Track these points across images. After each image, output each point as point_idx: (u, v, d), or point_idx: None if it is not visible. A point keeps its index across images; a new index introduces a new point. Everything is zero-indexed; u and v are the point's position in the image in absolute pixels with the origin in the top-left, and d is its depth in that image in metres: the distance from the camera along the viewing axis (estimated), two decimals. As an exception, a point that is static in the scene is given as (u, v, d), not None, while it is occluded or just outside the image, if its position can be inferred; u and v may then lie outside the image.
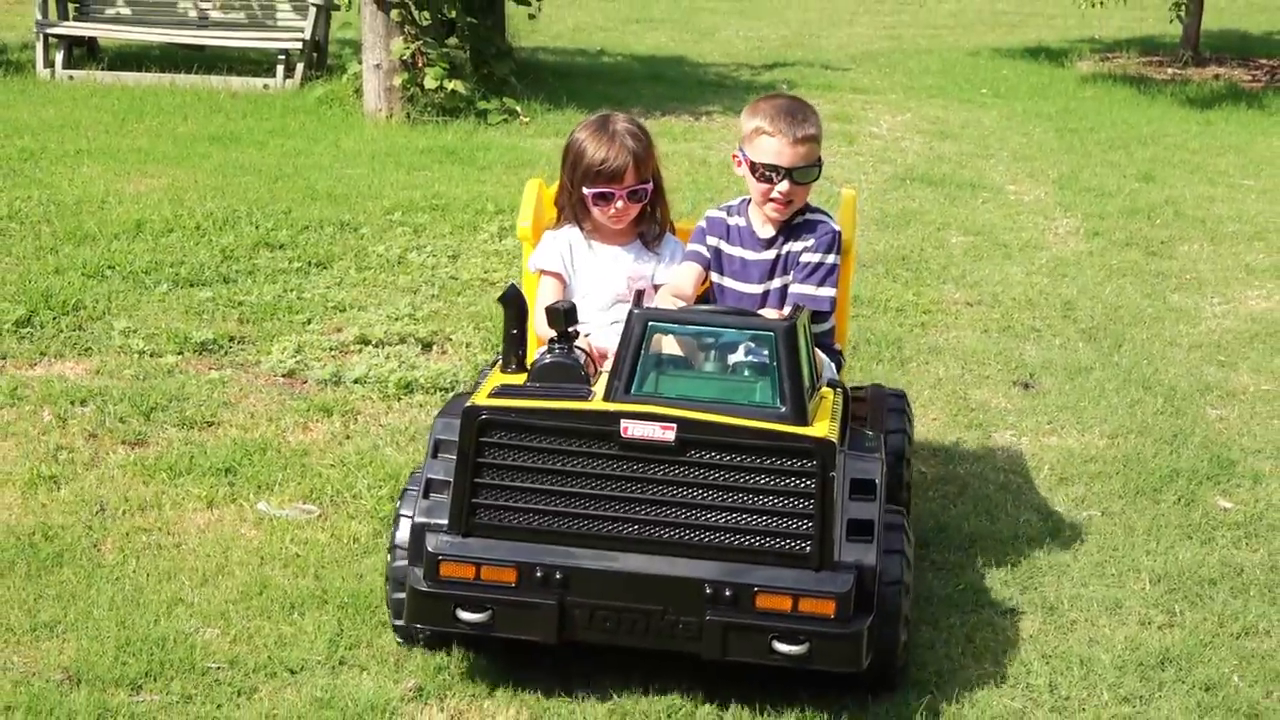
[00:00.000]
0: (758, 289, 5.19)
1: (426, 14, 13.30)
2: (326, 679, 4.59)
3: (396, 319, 7.85)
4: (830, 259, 5.09)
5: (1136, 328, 8.33)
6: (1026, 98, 16.06)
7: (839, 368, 5.27)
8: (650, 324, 4.33)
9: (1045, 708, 4.66)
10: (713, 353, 4.50)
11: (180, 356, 7.22)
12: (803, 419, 4.24)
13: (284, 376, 7.09)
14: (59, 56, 15.16)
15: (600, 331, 4.90)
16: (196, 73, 15.17)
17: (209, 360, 7.24)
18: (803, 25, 20.98)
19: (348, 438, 6.45)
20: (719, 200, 10.53)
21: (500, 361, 4.74)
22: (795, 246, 5.16)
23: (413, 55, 13.22)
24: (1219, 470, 6.45)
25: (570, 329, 4.44)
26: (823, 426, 4.31)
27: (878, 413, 5.48)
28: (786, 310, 4.94)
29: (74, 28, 15.71)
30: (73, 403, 6.60)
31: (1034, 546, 5.69)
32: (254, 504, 5.78)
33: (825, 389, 4.71)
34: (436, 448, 4.54)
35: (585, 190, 5.17)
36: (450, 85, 13.20)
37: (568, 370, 4.35)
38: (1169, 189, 11.87)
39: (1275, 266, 9.76)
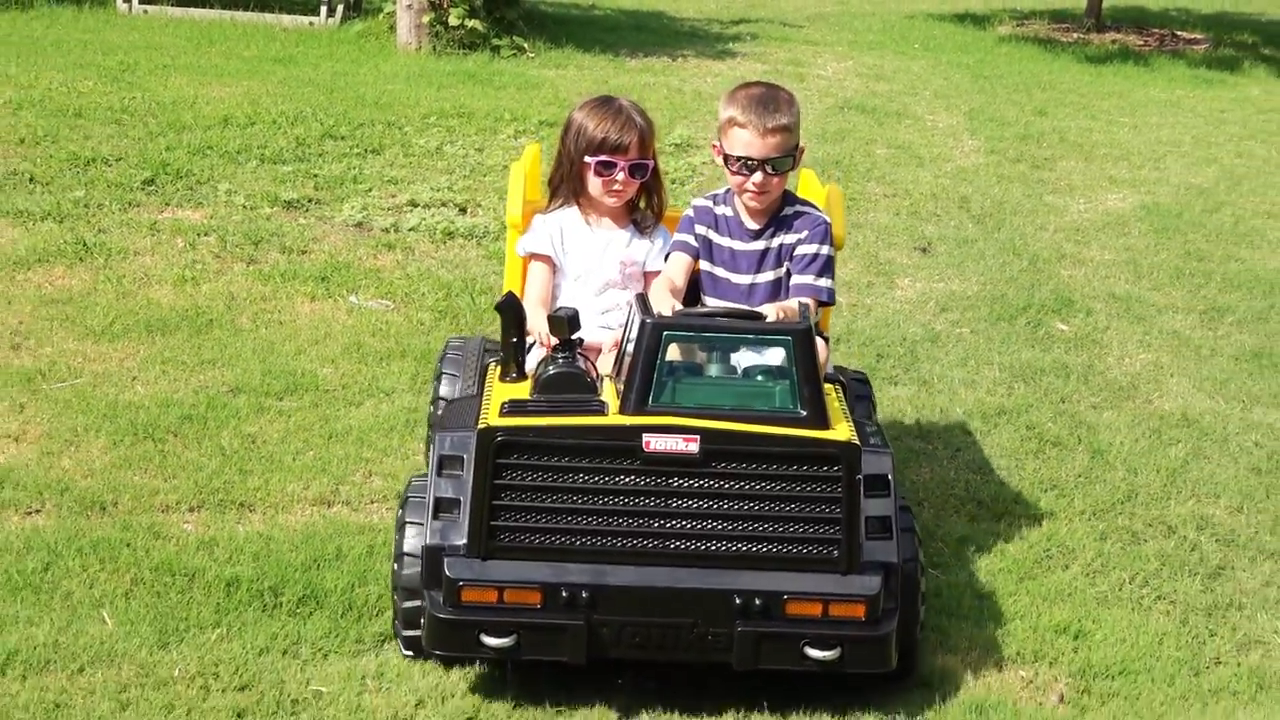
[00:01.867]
0: (746, 279, 4.71)
1: None
2: (411, 399, 5.97)
3: (438, 190, 9.00)
4: (826, 250, 4.64)
5: (1016, 216, 9.53)
6: (950, 52, 16.64)
7: (828, 354, 4.82)
8: (666, 333, 3.88)
9: (911, 435, 6.05)
10: (716, 354, 4.09)
11: (273, 209, 8.41)
12: (824, 422, 3.87)
13: (354, 226, 8.28)
14: None
15: (588, 326, 4.37)
16: (252, 10, 15.65)
17: (295, 214, 8.43)
18: None
19: (409, 263, 7.73)
20: (691, 121, 11.85)
21: (500, 369, 4.30)
22: (787, 239, 4.68)
23: None
24: (1061, 306, 7.75)
25: (574, 336, 4.05)
26: (843, 429, 3.94)
27: (847, 401, 4.82)
28: (788, 301, 4.52)
29: None
30: (198, 235, 7.88)
31: (917, 347, 7.00)
32: (346, 298, 7.13)
33: (829, 385, 4.27)
34: (441, 464, 4.01)
35: (588, 159, 4.69)
36: (470, 23, 13.86)
37: (575, 380, 3.95)
38: (1058, 122, 12.83)
39: (1132, 179, 10.89)
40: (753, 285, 4.70)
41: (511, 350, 4.21)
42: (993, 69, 15.57)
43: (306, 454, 5.44)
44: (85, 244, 7.50)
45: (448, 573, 3.80)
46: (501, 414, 3.87)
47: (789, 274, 4.66)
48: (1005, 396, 6.48)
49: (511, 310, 4.21)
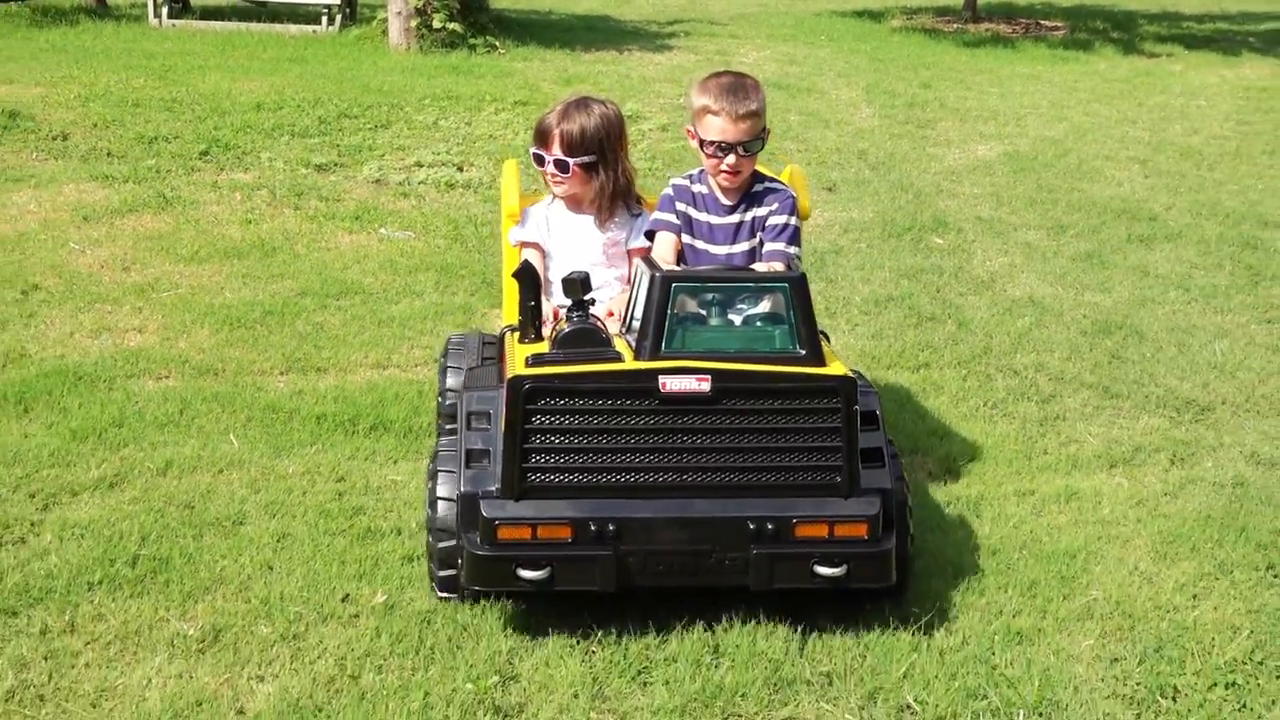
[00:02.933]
0: (723, 250, 4.52)
1: None
2: (437, 297, 6.77)
3: (437, 154, 9.73)
4: (794, 221, 4.48)
5: (903, 163, 10.29)
6: (851, 41, 17.05)
7: None
8: (675, 285, 3.71)
9: (821, 316, 6.80)
10: (714, 308, 3.87)
11: (308, 170, 9.17)
12: (821, 360, 3.72)
13: (374, 182, 9.04)
14: (164, 10, 16.15)
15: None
16: (264, 22, 16.26)
17: (326, 174, 9.17)
18: None
19: (422, 206, 8.51)
20: (638, 98, 12.54)
21: (519, 333, 4.04)
22: (760, 212, 4.49)
23: (423, 5, 14.37)
24: (938, 226, 8.54)
25: (587, 297, 3.84)
26: (838, 366, 3.79)
27: None
28: (773, 261, 4.42)
29: None
30: (251, 190, 8.64)
31: (825, 256, 7.77)
32: (376, 230, 7.93)
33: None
34: (470, 419, 3.88)
35: (530, 149, 4.66)
36: (450, 26, 14.39)
37: (590, 335, 3.74)
38: (939, 93, 13.45)
39: (998, 134, 11.58)
40: (730, 255, 4.51)
41: (529, 314, 3.98)
42: (886, 54, 16.00)
43: (362, 335, 6.24)
44: (164, 197, 8.28)
45: (484, 513, 3.63)
46: (527, 365, 3.69)
47: (761, 243, 4.49)
48: (893, 288, 7.30)
49: (528, 277, 3.98)
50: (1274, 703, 3.64)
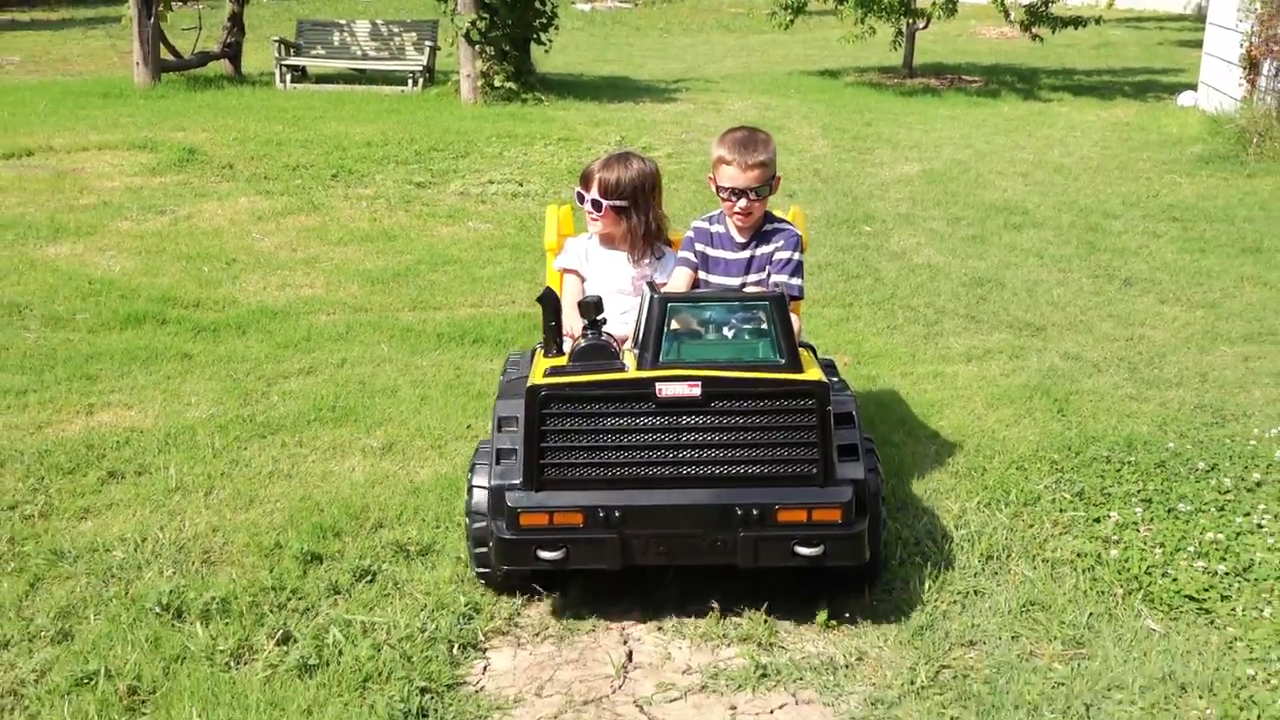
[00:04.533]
0: (736, 281, 4.33)
1: (491, 49, 15.28)
2: (511, 265, 7.95)
3: (503, 175, 10.80)
4: (798, 256, 4.32)
5: (847, 178, 11.30)
6: (813, 94, 17.73)
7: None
8: (670, 305, 3.64)
9: (780, 275, 8.10)
10: (711, 325, 3.76)
11: (410, 187, 10.32)
12: (799, 367, 3.59)
13: (459, 194, 10.16)
14: (288, 77, 17.10)
15: (613, 322, 4.02)
16: (364, 85, 17.17)
17: (423, 189, 10.31)
18: (694, 62, 22.14)
19: (495, 209, 9.68)
20: (650, 134, 13.62)
21: (543, 350, 3.92)
22: (766, 249, 4.32)
23: (486, 69, 15.31)
24: (868, 218, 9.60)
25: (599, 318, 3.73)
26: (815, 372, 3.66)
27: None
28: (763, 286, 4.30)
29: (294, 60, 17.23)
30: (372, 199, 9.84)
31: None
32: (465, 224, 9.16)
33: (801, 349, 3.88)
34: (500, 424, 3.78)
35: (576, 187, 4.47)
36: (508, 84, 15.34)
37: (602, 350, 3.65)
38: (878, 129, 14.31)
39: (920, 157, 12.47)
40: (742, 285, 4.32)
41: (550, 332, 3.88)
42: (839, 102, 16.82)
43: (462, 287, 7.44)
44: (313, 203, 9.52)
45: (509, 503, 3.54)
46: (544, 376, 3.61)
47: (769, 275, 4.32)
48: (831, 258, 8.43)
49: (550, 302, 3.90)
50: (1044, 475, 4.83)
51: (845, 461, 3.65)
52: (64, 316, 6.69)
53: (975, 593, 3.92)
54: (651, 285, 3.84)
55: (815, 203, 10.26)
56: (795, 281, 4.31)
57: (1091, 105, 16.91)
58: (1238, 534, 4.32)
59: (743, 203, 4.24)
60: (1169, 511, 4.48)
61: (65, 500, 4.44)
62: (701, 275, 4.38)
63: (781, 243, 4.35)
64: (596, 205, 4.39)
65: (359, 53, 17.92)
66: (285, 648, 3.51)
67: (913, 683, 3.43)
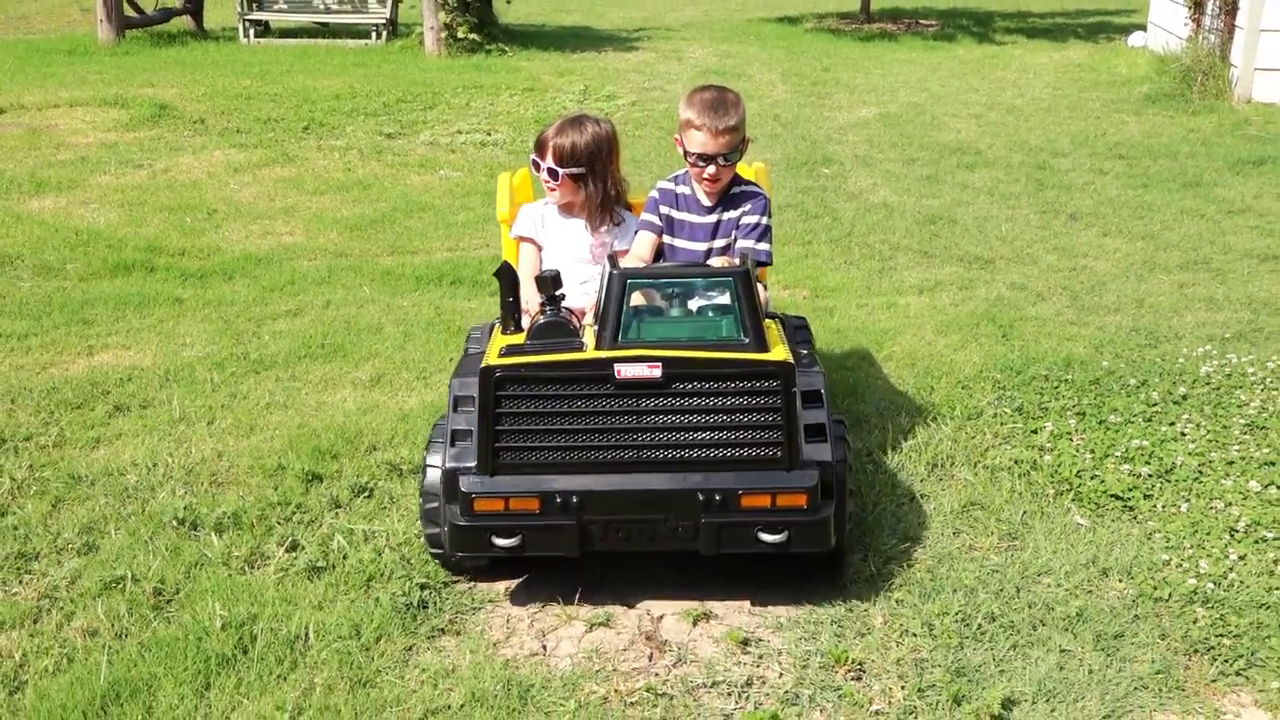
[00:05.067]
0: (702, 246, 4.16)
1: (453, 1, 15.44)
2: (482, 210, 8.22)
3: (471, 125, 11.08)
4: (765, 220, 4.16)
5: (806, 123, 11.62)
6: (774, 40, 18.01)
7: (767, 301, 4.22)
8: (629, 281, 3.45)
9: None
10: (676, 300, 3.62)
11: (380, 138, 10.57)
12: (763, 346, 3.42)
13: (429, 144, 10.44)
14: (250, 32, 17.15)
15: (572, 293, 3.93)
16: (327, 38, 17.28)
17: (393, 140, 10.56)
18: (654, 10, 22.48)
19: (464, 157, 9.96)
20: (614, 83, 13.90)
21: (500, 326, 3.79)
22: (733, 213, 4.15)
23: (449, 21, 15.47)
24: (827, 162, 9.93)
25: (557, 292, 3.56)
26: (780, 351, 3.47)
27: (786, 335, 4.17)
28: (729, 256, 4.10)
29: (256, 15, 17.35)
30: (344, 150, 10.09)
31: None
32: (437, 172, 9.44)
33: (769, 321, 3.79)
34: (456, 403, 3.58)
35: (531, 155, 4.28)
36: (471, 36, 15.53)
37: (560, 327, 3.49)
38: (836, 74, 14.66)
39: (877, 101, 12.83)
40: (708, 251, 4.16)
41: (508, 308, 3.74)
42: (799, 48, 17.09)
43: (437, 232, 7.74)
44: (287, 155, 9.76)
45: (462, 488, 3.37)
46: (500, 355, 3.46)
47: (735, 240, 4.17)
48: (791, 199, 8.76)
49: (507, 276, 3.74)
50: (987, 393, 5.21)
51: (812, 443, 3.47)
52: (55, 266, 6.95)
53: (921, 496, 4.30)
54: (613, 259, 3.58)
55: (775, 147, 10.58)
56: (763, 247, 4.15)
57: (1044, 48, 17.27)
58: (1162, 441, 4.72)
59: (711, 169, 4.07)
60: (1100, 423, 4.87)
61: (76, 432, 4.74)
62: (666, 239, 4.21)
63: (749, 206, 4.18)
64: (553, 174, 4.21)
65: (321, 6, 18.00)
66: (294, 554, 3.85)
67: (863, 573, 3.81)
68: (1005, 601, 3.64)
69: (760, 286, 3.87)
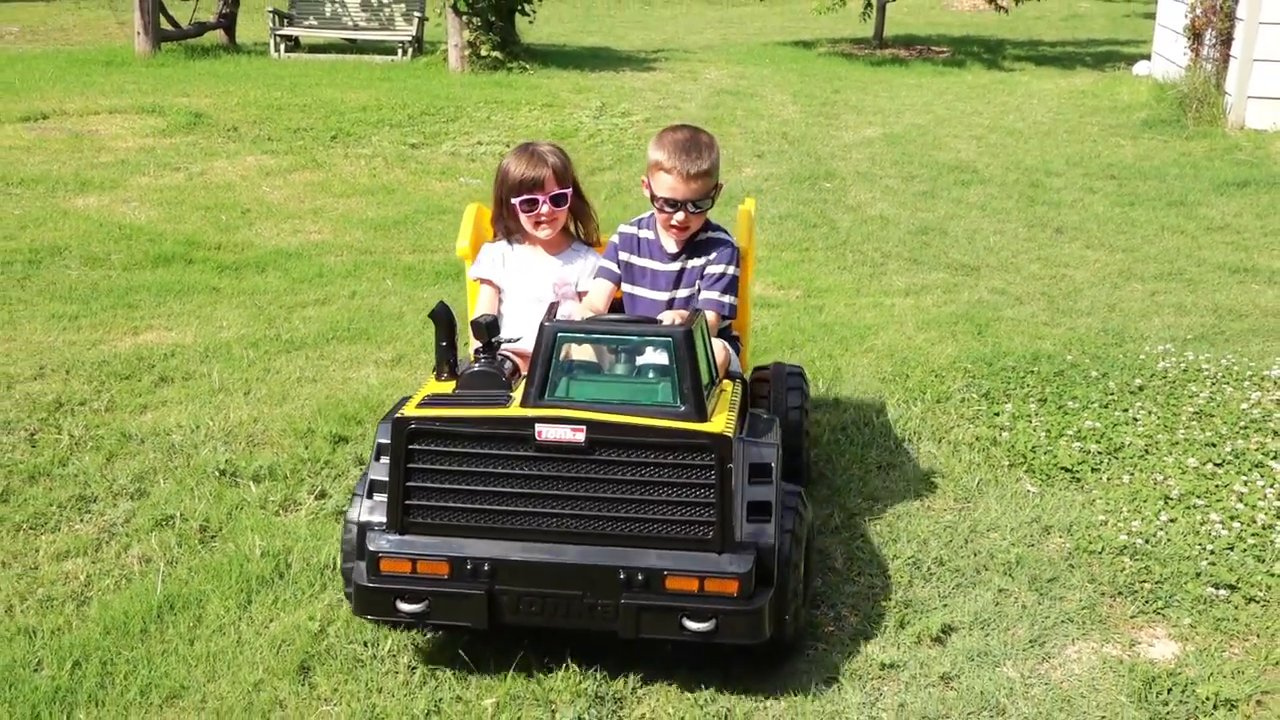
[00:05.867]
0: (664, 296, 3.91)
1: (478, 19, 15.87)
2: None
3: (492, 136, 11.55)
4: (731, 270, 3.88)
5: (812, 141, 12.06)
6: (787, 63, 18.33)
7: (737, 352, 4.03)
8: (559, 335, 3.20)
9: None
10: (622, 356, 3.40)
11: (405, 148, 11.09)
12: (701, 415, 3.15)
13: (450, 154, 10.95)
14: (281, 47, 17.72)
15: (529, 337, 3.50)
16: (355, 55, 17.82)
17: (417, 149, 11.07)
18: (674, 33, 22.86)
19: (483, 166, 10.48)
20: (629, 101, 14.40)
21: (435, 372, 3.53)
22: (698, 262, 3.89)
23: (473, 39, 15.91)
24: (829, 177, 10.38)
25: (493, 340, 3.37)
26: (720, 420, 3.20)
27: (779, 390, 4.25)
28: (683, 310, 3.77)
29: (287, 30, 17.91)
30: (370, 158, 10.62)
31: (751, 193, 9.77)
32: (457, 179, 9.95)
33: (726, 381, 3.57)
34: (379, 451, 3.31)
35: (514, 200, 3.92)
36: (493, 53, 15.97)
37: (491, 378, 3.28)
38: (845, 96, 15.06)
39: (882, 122, 13.24)
40: (670, 301, 3.91)
41: (442, 352, 3.48)
42: (811, 71, 17.51)
43: (456, 232, 8.23)
44: (316, 161, 10.29)
45: (369, 546, 3.15)
46: (418, 406, 3.23)
47: (699, 291, 3.91)
48: (793, 210, 9.26)
49: (442, 319, 3.48)
50: (957, 380, 5.66)
51: (755, 522, 3.17)
52: (100, 257, 7.47)
53: (888, 465, 4.76)
54: (551, 309, 3.41)
55: (781, 162, 11.05)
56: (726, 299, 3.88)
57: (1052, 75, 17.68)
58: (1115, 424, 5.17)
59: (680, 216, 3.83)
60: (1059, 408, 5.32)
61: (126, 399, 5.24)
62: (626, 288, 3.96)
63: (714, 255, 3.91)
64: (560, 200, 3.95)
65: (350, 23, 18.62)
66: (322, 501, 4.32)
67: (829, 524, 4.27)
68: (954, 550, 4.09)
69: (720, 345, 3.70)
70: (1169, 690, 3.36)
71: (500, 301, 4.05)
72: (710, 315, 3.79)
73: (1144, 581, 3.94)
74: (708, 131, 3.89)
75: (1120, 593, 3.88)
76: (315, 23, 18.59)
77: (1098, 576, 3.96)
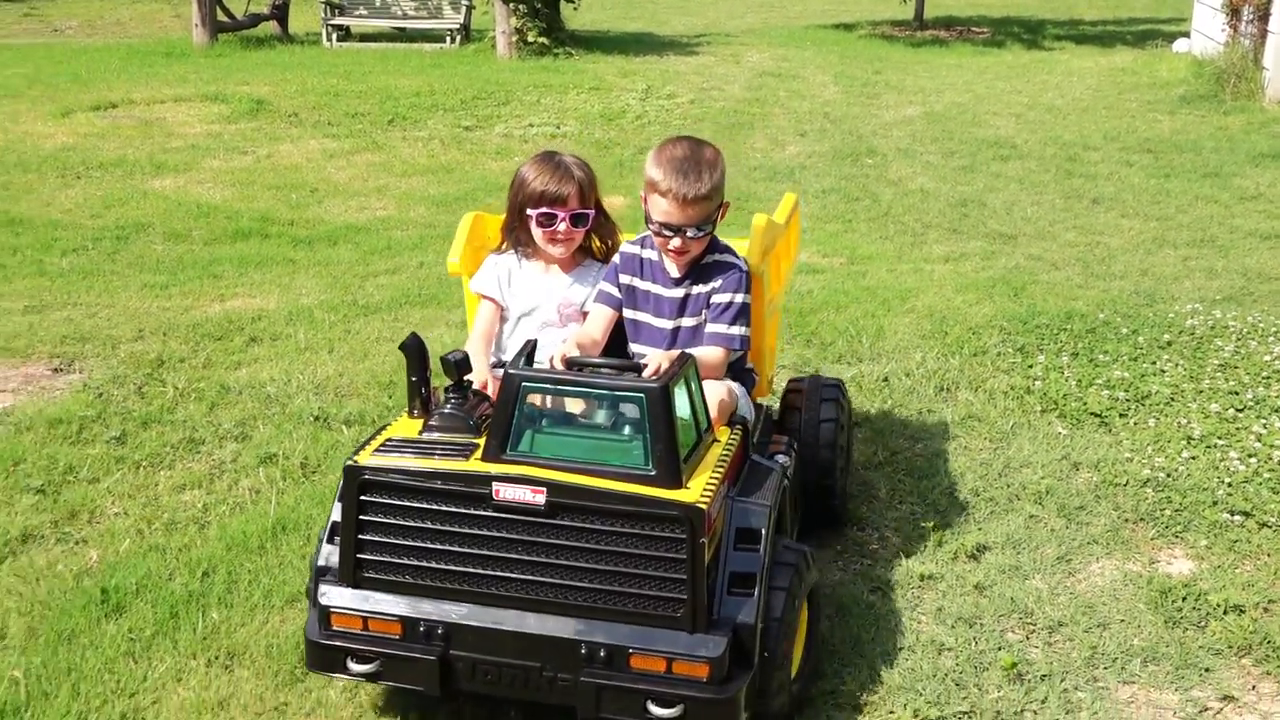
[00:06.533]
0: (669, 324, 3.51)
1: (524, 7, 16.26)
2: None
3: (542, 119, 12.00)
4: (740, 298, 3.43)
5: (854, 120, 12.42)
6: (829, 45, 18.70)
7: (752, 385, 3.67)
8: (523, 385, 2.87)
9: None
10: (601, 404, 3.00)
11: (459, 130, 11.56)
12: (674, 481, 2.78)
13: (503, 135, 11.42)
14: (333, 36, 18.24)
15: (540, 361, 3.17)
16: (404, 43, 18.30)
17: (471, 131, 11.51)
18: (715, 18, 23.28)
19: (536, 145, 10.88)
20: (675, 83, 14.79)
21: (408, 409, 3.19)
22: (702, 289, 3.48)
23: (520, 26, 16.33)
24: (870, 154, 10.73)
25: (464, 379, 3.09)
26: (697, 486, 2.82)
27: (813, 402, 3.91)
28: (673, 352, 3.15)
29: (339, 20, 18.53)
30: (427, 140, 11.07)
31: (795, 170, 10.06)
32: (513, 158, 10.34)
33: (724, 429, 3.20)
34: (343, 493, 2.94)
35: (530, 212, 3.55)
36: (540, 40, 16.36)
37: (458, 422, 2.99)
38: (886, 76, 15.37)
39: (922, 101, 13.56)
40: (676, 329, 3.51)
41: (414, 388, 3.18)
42: (852, 53, 17.85)
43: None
44: (375, 143, 10.75)
45: (320, 599, 2.93)
46: (375, 452, 2.95)
47: (706, 322, 3.49)
48: (835, 184, 9.61)
49: (414, 352, 3.16)
50: (994, 337, 6.00)
51: (736, 595, 2.83)
52: (182, 233, 7.95)
53: (928, 411, 5.13)
54: (522, 352, 3.04)
55: (823, 140, 11.40)
56: (735, 332, 3.44)
57: (1091, 53, 17.91)
58: (1142, 375, 5.51)
59: (677, 242, 3.40)
60: (1090, 360, 5.67)
61: (220, 357, 5.69)
62: (628, 314, 3.57)
63: (720, 281, 3.47)
64: (580, 219, 3.58)
65: (399, 12, 19.11)
66: (409, 442, 4.75)
67: (873, 460, 4.64)
68: (988, 482, 4.46)
69: (722, 387, 3.32)
70: (1183, 599, 3.72)
71: (503, 320, 3.69)
72: (717, 353, 3.42)
73: (1164, 509, 4.28)
74: (713, 145, 3.43)
75: (1142, 519, 4.23)
76: (365, 12, 19.06)
77: (1121, 505, 4.31)
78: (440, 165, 10.02)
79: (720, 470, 2.94)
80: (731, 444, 3.12)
